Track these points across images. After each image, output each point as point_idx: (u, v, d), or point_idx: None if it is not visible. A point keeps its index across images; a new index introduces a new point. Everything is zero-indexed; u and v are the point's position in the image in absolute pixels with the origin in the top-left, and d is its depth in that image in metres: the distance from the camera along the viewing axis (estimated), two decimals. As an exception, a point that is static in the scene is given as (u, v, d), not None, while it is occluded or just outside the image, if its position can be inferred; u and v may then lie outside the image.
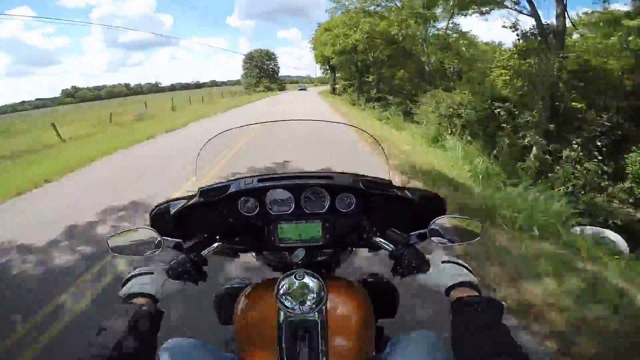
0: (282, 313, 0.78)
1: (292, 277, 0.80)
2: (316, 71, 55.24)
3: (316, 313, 0.78)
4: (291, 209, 0.97)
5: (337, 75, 32.63)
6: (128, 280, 0.78)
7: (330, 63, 27.91)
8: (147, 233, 0.85)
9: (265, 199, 0.97)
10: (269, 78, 58.37)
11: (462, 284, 0.73)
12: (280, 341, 0.77)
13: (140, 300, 0.72)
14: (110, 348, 0.59)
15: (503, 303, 0.70)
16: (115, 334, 0.62)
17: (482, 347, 0.59)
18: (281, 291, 0.78)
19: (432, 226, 0.83)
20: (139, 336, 0.64)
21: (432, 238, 0.83)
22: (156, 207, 1.02)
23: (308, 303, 0.77)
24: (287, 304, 0.77)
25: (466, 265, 0.79)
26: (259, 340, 0.81)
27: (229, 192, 0.97)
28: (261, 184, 0.97)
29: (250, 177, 1.01)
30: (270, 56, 61.47)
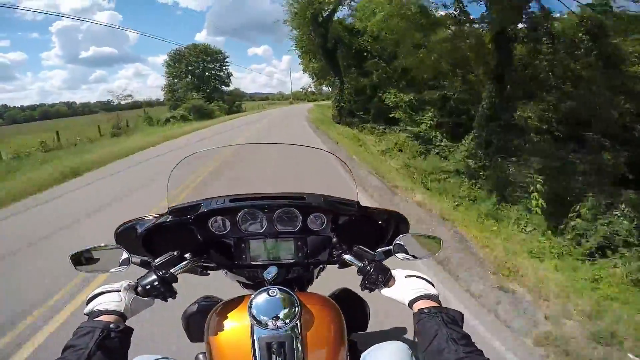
0: (255, 329, 0.78)
1: (265, 293, 0.81)
2: (291, 87, 48.47)
3: (290, 328, 0.78)
4: (263, 228, 1.00)
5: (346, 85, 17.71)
6: (93, 297, 0.76)
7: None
8: (113, 250, 0.85)
9: (237, 218, 0.99)
10: (210, 93, 35.08)
11: (424, 297, 0.78)
12: (255, 357, 0.77)
13: (108, 318, 0.70)
14: None
15: (462, 313, 0.74)
16: (83, 352, 0.60)
17: (445, 353, 0.64)
18: (254, 307, 0.79)
19: (397, 242, 0.90)
20: (108, 353, 0.63)
21: (396, 254, 0.90)
22: (122, 225, 1.02)
23: (282, 318, 0.78)
24: (261, 319, 0.77)
25: (428, 278, 0.84)
26: (232, 357, 0.80)
27: (200, 211, 0.99)
28: (234, 204, 1.00)
29: (222, 197, 1.03)
30: (212, 54, 38.19)
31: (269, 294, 0.81)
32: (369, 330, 1.17)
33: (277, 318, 0.78)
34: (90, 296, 0.76)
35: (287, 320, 0.78)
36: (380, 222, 1.06)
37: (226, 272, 1.08)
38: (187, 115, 26.85)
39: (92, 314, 0.71)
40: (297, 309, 0.79)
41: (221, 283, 1.20)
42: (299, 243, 1.00)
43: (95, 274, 1.09)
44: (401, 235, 0.91)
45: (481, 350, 0.65)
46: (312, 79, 24.97)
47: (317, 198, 1.04)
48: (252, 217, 1.00)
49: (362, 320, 1.16)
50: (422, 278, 0.84)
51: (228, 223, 1.01)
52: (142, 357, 0.83)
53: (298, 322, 0.79)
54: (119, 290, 0.77)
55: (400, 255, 0.90)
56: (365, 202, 1.33)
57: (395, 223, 1.07)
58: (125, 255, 0.84)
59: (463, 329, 0.70)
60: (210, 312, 0.90)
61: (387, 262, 0.90)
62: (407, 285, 0.82)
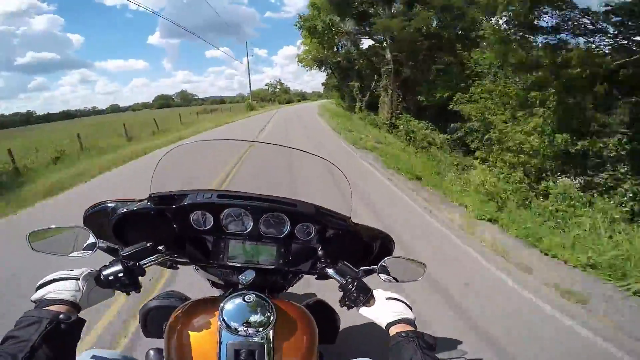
0: (224, 333, 0.75)
1: (240, 298, 0.80)
2: (250, 88, 47.09)
3: (263, 336, 0.76)
4: (248, 230, 0.96)
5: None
6: (45, 284, 0.69)
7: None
8: (79, 232, 0.80)
9: (221, 216, 0.96)
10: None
11: (401, 320, 0.78)
12: None
13: (58, 308, 0.64)
14: (20, 358, 0.53)
15: (436, 338, 0.74)
16: (25, 344, 0.55)
17: None
18: (225, 311, 0.77)
19: (382, 264, 0.90)
20: (55, 346, 0.58)
21: (380, 275, 0.90)
22: (93, 205, 0.99)
23: (255, 325, 0.75)
24: (232, 324, 0.75)
25: (407, 302, 0.85)
26: (193, 359, 0.76)
27: (184, 202, 0.95)
28: (221, 200, 0.96)
29: (210, 190, 0.99)
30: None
31: (244, 300, 0.79)
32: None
33: (248, 324, 0.75)
34: (41, 282, 0.70)
35: (261, 329, 0.76)
36: (367, 240, 1.06)
37: (197, 269, 1.05)
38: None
39: (42, 303, 0.66)
40: (272, 317, 0.78)
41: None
42: (282, 250, 0.98)
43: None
44: (387, 258, 0.91)
45: None
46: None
47: (309, 207, 1.00)
48: (237, 216, 0.96)
49: (332, 332, 1.13)
50: (401, 301, 0.85)
51: (211, 219, 0.96)
52: (92, 350, 0.82)
53: (272, 331, 0.77)
54: (77, 279, 0.71)
55: (382, 276, 0.90)
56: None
57: (382, 243, 1.08)
58: (92, 239, 0.80)
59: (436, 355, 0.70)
60: (176, 310, 0.87)
61: (367, 280, 0.89)
62: (386, 307, 0.82)
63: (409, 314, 0.81)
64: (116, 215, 0.94)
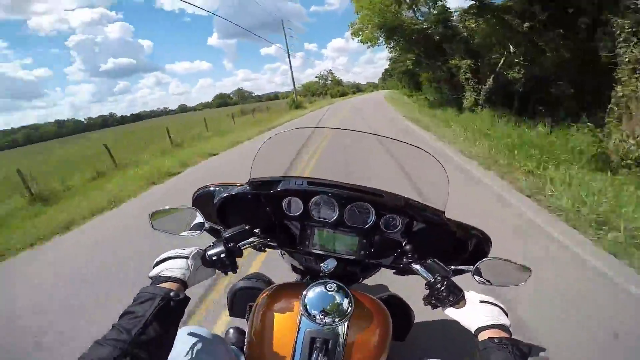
0: (303, 319, 0.78)
1: (322, 286, 0.82)
2: (294, 83, 35.32)
3: (339, 326, 0.77)
4: (333, 218, 0.96)
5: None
6: (161, 262, 0.76)
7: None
8: (191, 214, 0.86)
9: (310, 203, 0.97)
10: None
11: (494, 326, 0.72)
12: (296, 347, 0.76)
13: (170, 285, 0.70)
14: (134, 333, 0.58)
15: (531, 346, 0.66)
16: (140, 320, 0.60)
17: None
18: (307, 299, 0.80)
19: (479, 265, 0.81)
20: (164, 322, 0.63)
21: (475, 276, 0.82)
22: (200, 188, 1.05)
23: (333, 314, 0.77)
24: (311, 311, 0.78)
25: (503, 307, 0.78)
26: (273, 341, 0.79)
27: (278, 188, 0.97)
28: (310, 187, 0.97)
29: (301, 178, 1.00)
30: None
31: (325, 288, 0.81)
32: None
33: (326, 313, 0.77)
34: (158, 260, 0.77)
35: (337, 319, 0.77)
36: (460, 237, 0.98)
37: (283, 253, 1.08)
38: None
39: (156, 279, 0.72)
40: (350, 308, 0.79)
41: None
42: (364, 241, 0.96)
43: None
44: (487, 259, 0.82)
45: None
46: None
47: (398, 199, 0.97)
48: (325, 204, 0.97)
49: (404, 329, 1.09)
50: (497, 305, 0.77)
51: (301, 205, 0.98)
52: (187, 327, 0.84)
53: (347, 323, 0.78)
54: (187, 257, 0.77)
55: (477, 277, 0.82)
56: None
57: (477, 241, 1.00)
58: (200, 219, 0.85)
59: None
60: (262, 292, 0.92)
61: (458, 281, 0.82)
62: (478, 311, 0.75)
63: (503, 320, 0.74)
64: (220, 198, 0.99)
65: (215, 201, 0.99)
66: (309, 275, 1.02)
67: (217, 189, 1.01)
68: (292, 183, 0.98)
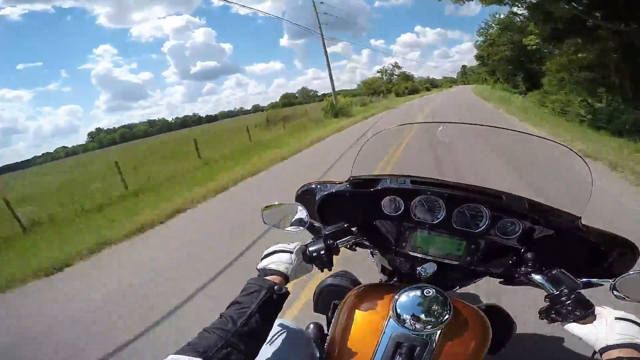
0: (391, 322, 0.74)
1: (419, 290, 0.77)
2: (331, 80, 24.70)
3: (431, 333, 0.72)
4: (438, 220, 0.89)
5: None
6: (268, 255, 0.80)
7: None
8: (297, 209, 0.90)
9: (412, 203, 0.91)
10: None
11: (627, 345, 0.62)
12: (377, 350, 0.73)
13: (274, 278, 0.73)
14: (239, 324, 0.61)
15: None
16: (245, 311, 0.63)
17: None
18: (400, 301, 0.76)
19: (621, 279, 0.69)
20: (265, 314, 0.65)
21: (613, 292, 0.71)
22: (303, 186, 1.06)
23: (425, 321, 0.73)
24: (402, 315, 0.74)
25: None
26: (354, 342, 0.77)
27: (378, 187, 0.95)
28: (414, 187, 0.93)
29: (404, 176, 0.97)
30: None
31: (423, 293, 0.77)
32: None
33: (418, 319, 0.73)
34: (266, 253, 0.81)
35: (429, 326, 0.72)
36: (599, 247, 0.82)
37: (374, 253, 1.08)
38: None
39: (263, 272, 0.75)
40: (448, 316, 0.73)
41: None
42: (473, 246, 0.87)
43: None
44: (631, 273, 0.68)
45: None
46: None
47: (520, 202, 0.86)
48: (429, 204, 0.90)
49: (501, 342, 0.94)
50: (637, 323, 0.66)
51: (401, 205, 0.93)
52: (281, 320, 0.86)
53: (440, 330, 0.72)
54: (291, 252, 0.79)
55: (617, 293, 0.70)
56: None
57: (619, 252, 0.83)
58: (303, 215, 0.88)
59: None
60: (351, 291, 0.90)
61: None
62: (611, 328, 0.65)
63: (639, 339, 0.63)
64: (321, 195, 0.99)
65: (316, 199, 1.00)
66: (399, 277, 0.99)
67: (318, 186, 1.03)
68: (393, 182, 0.95)
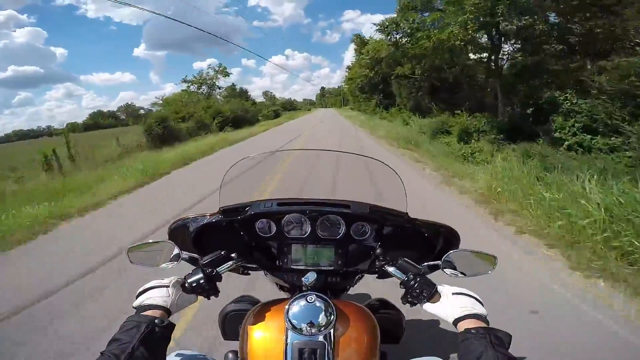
0: (290, 334, 0.78)
1: (303, 299, 0.81)
2: None
3: (324, 335, 0.77)
4: (306, 233, 1.01)
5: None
6: (143, 292, 0.78)
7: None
8: (166, 246, 0.89)
9: (282, 222, 1.01)
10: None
11: (471, 316, 0.74)
12: None
13: (154, 313, 0.72)
14: (122, 359, 0.59)
15: (510, 334, 0.69)
16: (127, 345, 0.62)
17: None
18: (291, 312, 0.79)
19: (446, 259, 0.87)
20: (150, 348, 0.64)
21: (445, 270, 0.87)
22: (175, 222, 1.07)
23: (317, 325, 0.77)
24: (296, 324, 0.77)
25: (477, 297, 0.79)
26: (265, 358, 0.79)
27: (248, 213, 1.01)
28: (279, 208, 1.01)
29: (270, 200, 1.03)
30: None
31: (306, 300, 0.80)
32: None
33: (312, 324, 0.77)
34: (140, 290, 0.79)
35: (322, 328, 0.77)
36: (428, 235, 1.03)
37: (266, 274, 1.10)
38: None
39: (140, 308, 0.74)
40: (332, 317, 0.79)
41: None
42: (340, 251, 1.01)
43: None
44: (452, 251, 0.88)
45: None
46: None
47: (363, 207, 1.01)
48: (296, 221, 1.01)
49: (397, 332, 1.10)
50: (471, 296, 0.79)
51: (273, 226, 1.02)
52: (180, 351, 0.87)
53: (332, 330, 0.78)
54: (167, 286, 0.79)
55: (448, 271, 0.87)
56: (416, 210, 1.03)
57: (445, 237, 1.04)
58: (176, 251, 0.88)
59: (509, 352, 0.65)
60: (248, 313, 0.91)
61: (433, 277, 0.86)
62: (453, 303, 0.78)
63: (479, 309, 0.76)
64: (194, 229, 1.04)
65: (190, 231, 1.03)
66: (292, 291, 1.03)
67: (190, 220, 1.04)
68: (261, 206, 1.01)
